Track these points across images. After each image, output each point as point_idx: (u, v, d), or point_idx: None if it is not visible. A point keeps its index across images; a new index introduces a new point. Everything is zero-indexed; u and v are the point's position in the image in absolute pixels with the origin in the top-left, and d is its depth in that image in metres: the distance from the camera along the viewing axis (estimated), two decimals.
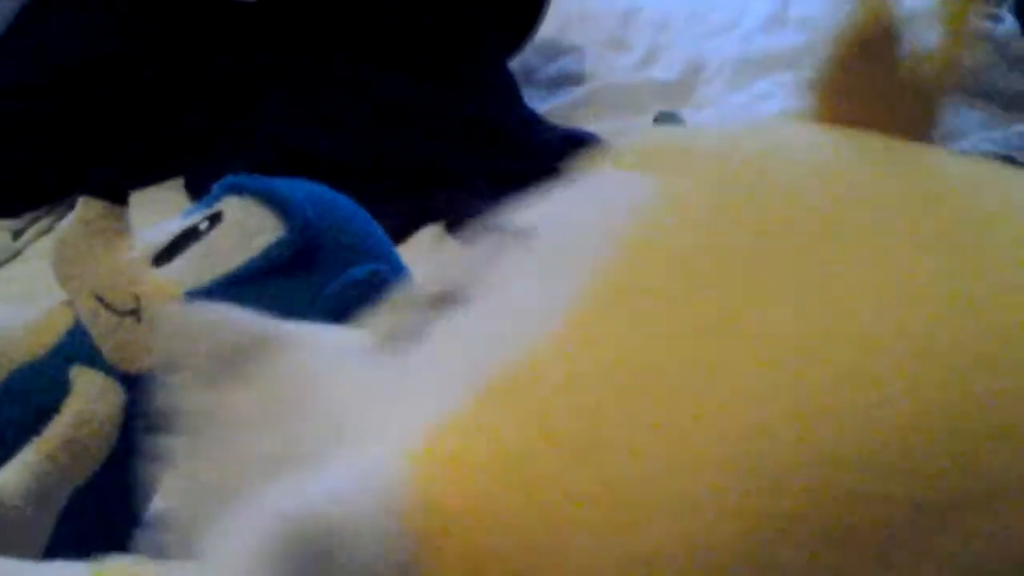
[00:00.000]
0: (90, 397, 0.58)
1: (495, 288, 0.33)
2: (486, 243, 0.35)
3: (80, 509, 0.57)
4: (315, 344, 0.36)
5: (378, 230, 0.65)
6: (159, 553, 0.37)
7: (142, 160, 1.13)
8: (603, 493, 0.26)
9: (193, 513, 0.34)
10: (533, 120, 1.22)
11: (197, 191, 1.07)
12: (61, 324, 0.61)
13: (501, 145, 1.13)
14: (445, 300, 0.34)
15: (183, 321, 0.36)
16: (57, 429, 0.57)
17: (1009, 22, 1.14)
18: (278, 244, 0.59)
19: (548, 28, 1.34)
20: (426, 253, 0.99)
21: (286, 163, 1.02)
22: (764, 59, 1.38)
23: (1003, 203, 0.32)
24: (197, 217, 0.62)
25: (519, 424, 0.28)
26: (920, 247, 0.29)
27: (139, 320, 0.58)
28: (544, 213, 0.35)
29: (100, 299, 0.59)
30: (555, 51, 1.42)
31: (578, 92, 1.33)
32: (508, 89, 1.25)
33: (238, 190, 0.62)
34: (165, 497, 0.35)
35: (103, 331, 0.59)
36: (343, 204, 0.64)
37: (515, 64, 1.30)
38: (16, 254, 1.07)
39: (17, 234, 1.10)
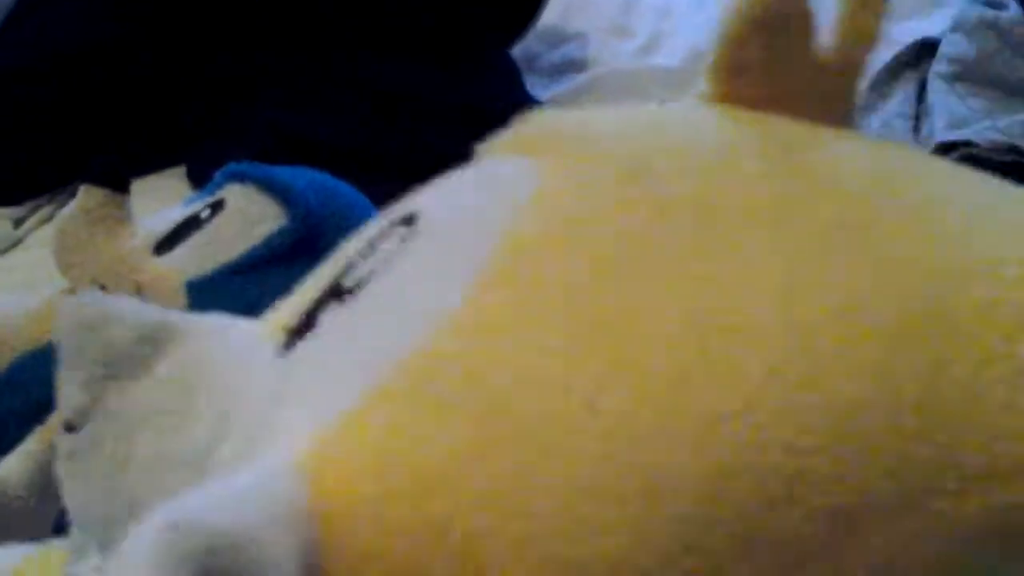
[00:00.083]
0: None
1: (385, 279, 0.31)
2: (376, 230, 0.34)
3: None
4: (214, 336, 0.35)
5: None
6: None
7: (143, 148, 1.13)
8: (498, 494, 0.25)
9: (90, 512, 0.34)
10: (535, 108, 1.21)
11: (199, 179, 1.07)
12: None
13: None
14: (336, 291, 0.33)
15: (78, 314, 0.34)
16: (60, 419, 0.57)
17: (1013, 9, 1.13)
18: (280, 232, 0.59)
19: (550, 14, 1.34)
20: None
21: (287, 150, 1.02)
22: None
23: (895, 197, 0.30)
24: (199, 205, 0.62)
25: (412, 423, 0.27)
26: (812, 241, 0.28)
27: None
28: (435, 200, 0.34)
29: (102, 288, 0.59)
30: (558, 38, 1.42)
31: (581, 79, 1.33)
32: (510, 76, 1.25)
33: (240, 178, 0.62)
34: (67, 497, 0.34)
35: None
36: (345, 192, 0.64)
37: (517, 51, 1.29)
38: (17, 242, 1.07)
39: (18, 222, 1.10)
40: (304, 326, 0.33)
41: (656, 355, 0.26)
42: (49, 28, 1.17)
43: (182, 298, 0.58)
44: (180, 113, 1.16)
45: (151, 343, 0.34)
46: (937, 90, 1.05)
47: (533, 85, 1.28)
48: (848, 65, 0.34)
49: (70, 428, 0.34)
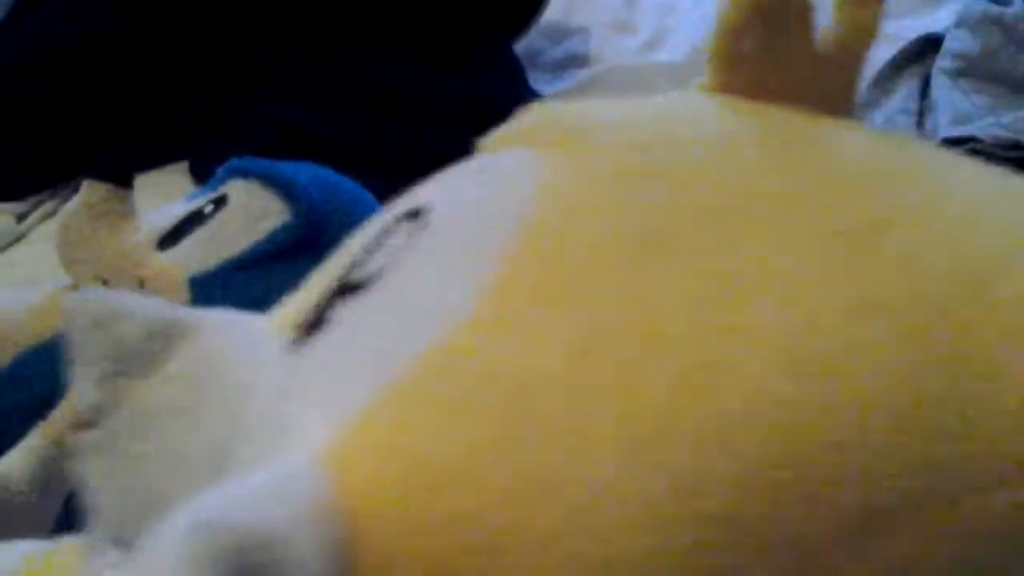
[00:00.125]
0: None
1: (395, 274, 0.31)
2: (384, 225, 0.34)
3: None
4: (224, 332, 0.35)
5: None
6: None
7: (146, 143, 1.13)
8: (523, 490, 0.25)
9: (110, 509, 0.34)
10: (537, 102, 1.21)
11: (201, 174, 1.07)
12: None
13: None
14: (345, 288, 0.32)
15: (89, 311, 0.34)
16: (62, 414, 0.57)
17: (1018, 4, 1.13)
18: (284, 228, 0.59)
19: (553, 10, 1.34)
20: None
21: (289, 145, 1.02)
22: None
23: (901, 187, 0.30)
24: (202, 200, 0.62)
25: (434, 420, 0.27)
26: (823, 238, 0.28)
27: None
28: (440, 194, 0.34)
29: (105, 283, 0.59)
30: (560, 33, 1.41)
31: (583, 75, 1.33)
32: (513, 72, 1.24)
33: (243, 173, 0.61)
34: (86, 494, 0.34)
35: None
36: (348, 188, 0.64)
37: (520, 46, 1.29)
38: (20, 237, 1.07)
39: (21, 217, 1.09)
40: (313, 322, 0.32)
41: (677, 352, 0.26)
42: (51, 24, 1.17)
43: (185, 294, 0.58)
44: (181, 109, 1.16)
45: (161, 339, 0.34)
46: (941, 86, 1.05)
47: (536, 81, 1.27)
48: (848, 59, 0.34)
49: (86, 425, 0.34)
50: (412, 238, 0.32)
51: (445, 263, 0.30)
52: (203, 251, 0.59)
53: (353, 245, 0.35)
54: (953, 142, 0.98)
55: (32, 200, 1.11)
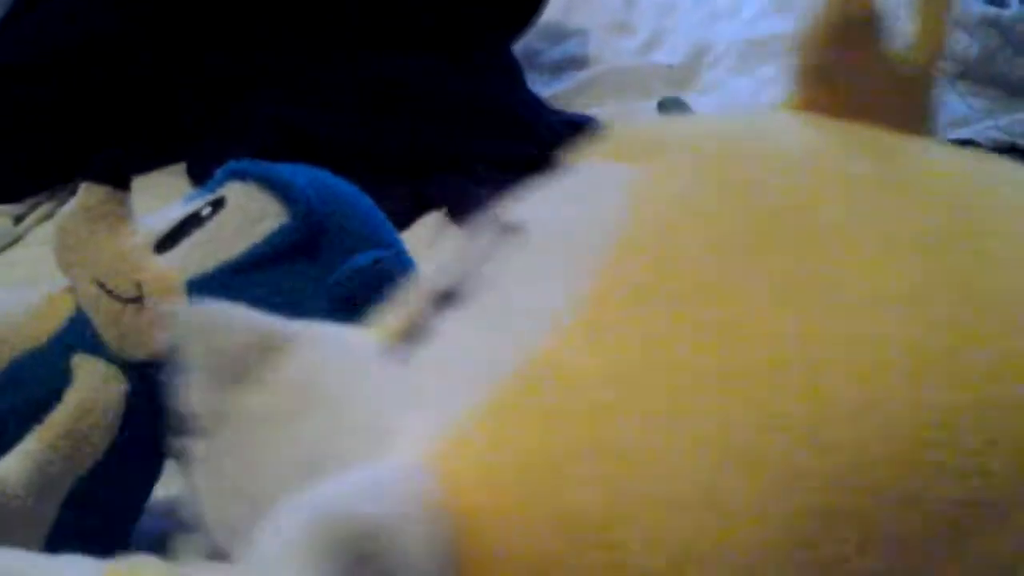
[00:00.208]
0: (92, 386, 0.57)
1: (496, 286, 0.33)
2: (482, 239, 0.35)
3: (82, 499, 0.57)
4: (326, 343, 0.36)
5: (381, 216, 0.64)
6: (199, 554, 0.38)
7: (144, 145, 1.13)
8: (631, 486, 0.26)
9: (218, 515, 0.35)
10: (536, 105, 1.21)
11: (199, 176, 1.06)
12: (63, 311, 0.60)
13: (504, 129, 1.12)
14: (447, 298, 0.34)
15: (194, 321, 0.35)
16: (59, 418, 0.56)
17: (1015, 6, 1.13)
18: (281, 231, 0.59)
19: (552, 11, 1.33)
20: (428, 240, 0.99)
21: (288, 147, 1.02)
22: (769, 43, 1.38)
23: (993, 198, 0.31)
24: (199, 203, 0.62)
25: (538, 423, 0.28)
26: (914, 247, 0.28)
27: (141, 307, 0.58)
28: (537, 207, 0.35)
29: (102, 286, 0.59)
30: (559, 34, 1.41)
31: (582, 76, 1.33)
32: (511, 73, 1.24)
33: (240, 175, 0.61)
34: (199, 500, 0.35)
35: (105, 318, 0.58)
36: (346, 190, 0.64)
37: (518, 48, 1.29)
38: (18, 239, 1.07)
39: (18, 219, 1.09)
40: (415, 332, 0.34)
41: (776, 355, 0.27)
42: (50, 25, 1.17)
43: (183, 297, 0.58)
44: (180, 110, 1.16)
45: (269, 349, 0.35)
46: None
47: (534, 82, 1.27)
48: (922, 79, 0.35)
49: (197, 433, 0.35)
50: (508, 251, 0.33)
51: (543, 275, 0.32)
52: (201, 254, 0.59)
53: (451, 258, 0.36)
54: None
55: (30, 202, 1.11)
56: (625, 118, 1.20)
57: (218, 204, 0.60)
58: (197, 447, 0.35)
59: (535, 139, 1.12)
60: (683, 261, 0.29)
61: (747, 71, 1.33)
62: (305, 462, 0.33)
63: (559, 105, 1.24)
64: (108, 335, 0.58)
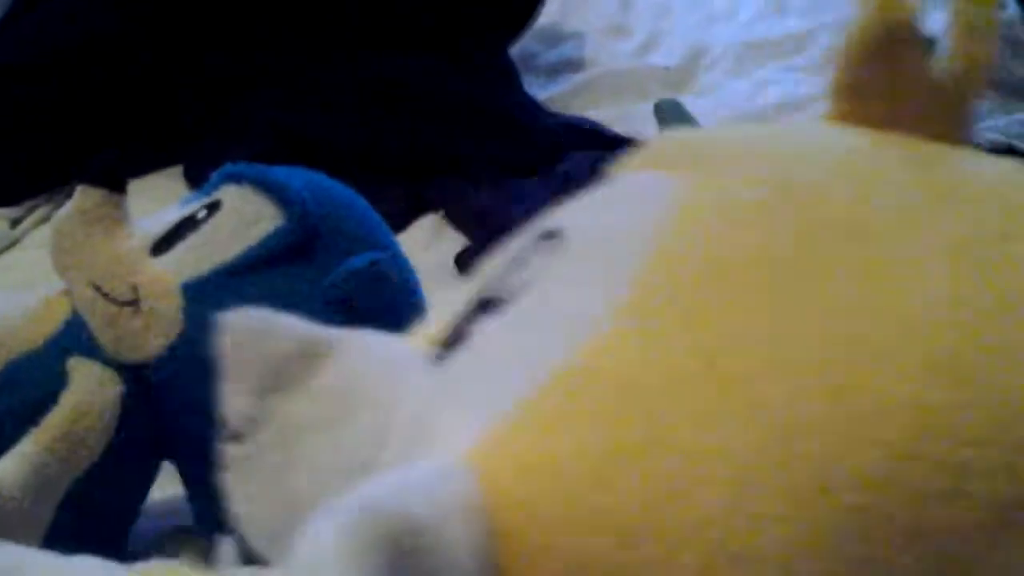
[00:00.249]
0: (88, 388, 0.57)
1: (534, 292, 0.33)
2: (520, 245, 0.36)
3: (79, 501, 0.57)
4: (368, 350, 0.37)
5: (377, 218, 0.64)
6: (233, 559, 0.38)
7: (141, 147, 1.13)
8: (664, 487, 0.26)
9: (257, 520, 0.35)
10: (533, 107, 1.21)
11: (195, 179, 1.07)
12: (59, 314, 0.60)
13: (501, 132, 1.13)
14: (487, 305, 0.34)
15: (243, 327, 0.36)
16: (55, 420, 0.56)
17: (1012, 8, 1.13)
18: (276, 233, 0.59)
19: (548, 13, 1.34)
20: (425, 242, 0.99)
21: (285, 150, 1.02)
22: (765, 46, 1.38)
23: None
24: (195, 206, 0.62)
25: (575, 425, 0.28)
26: (958, 253, 0.29)
27: (137, 310, 0.58)
28: (577, 215, 0.36)
29: (98, 289, 0.59)
30: (555, 37, 1.42)
31: (578, 78, 1.33)
32: (508, 76, 1.25)
33: (236, 178, 0.61)
34: (234, 505, 0.36)
35: (101, 321, 0.58)
36: (342, 192, 0.64)
37: (515, 50, 1.29)
38: (14, 242, 1.07)
39: (15, 222, 1.09)
40: (457, 337, 0.34)
41: (813, 354, 0.27)
42: (48, 26, 1.17)
43: (178, 300, 0.58)
44: (179, 112, 1.16)
45: (311, 356, 0.36)
46: None
47: (530, 85, 1.28)
48: (962, 91, 0.35)
49: (236, 438, 0.36)
50: (549, 258, 0.34)
51: (583, 280, 0.32)
52: (196, 257, 0.59)
53: (492, 265, 0.37)
54: None
55: (26, 205, 1.11)
56: (621, 121, 1.20)
57: (214, 207, 0.60)
58: (231, 452, 0.36)
59: (531, 142, 1.12)
60: (727, 267, 0.29)
61: (744, 73, 1.33)
62: (346, 468, 0.33)
63: (555, 107, 1.24)
64: (104, 338, 0.58)
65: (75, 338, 0.59)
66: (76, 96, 1.14)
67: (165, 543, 0.64)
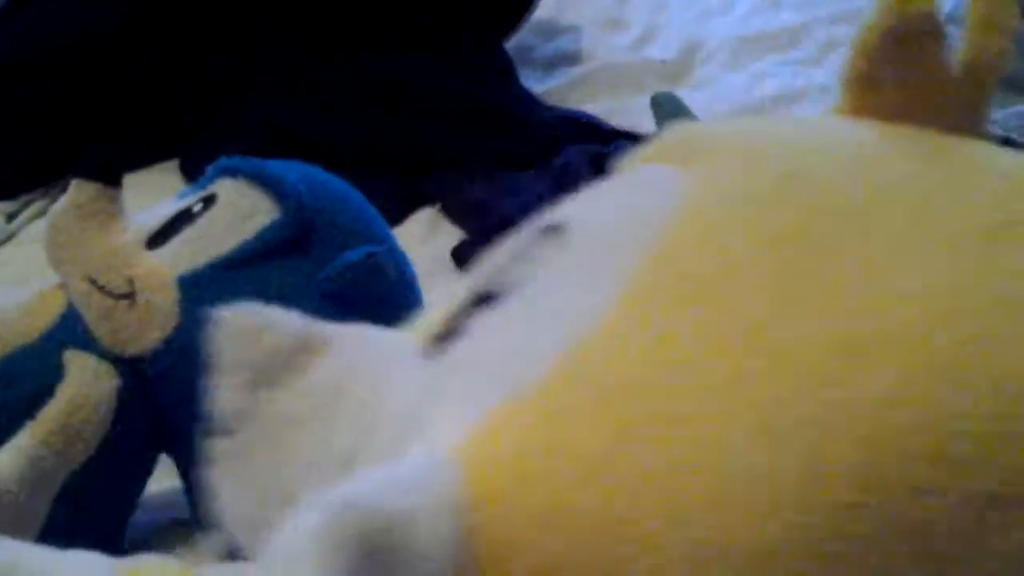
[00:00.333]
0: (84, 381, 0.57)
1: (534, 285, 0.33)
2: (521, 239, 0.36)
3: (75, 494, 0.57)
4: (361, 345, 0.37)
5: (373, 212, 0.64)
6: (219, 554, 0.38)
7: (138, 142, 1.13)
8: (651, 482, 0.26)
9: (242, 515, 0.35)
10: (529, 101, 1.21)
11: (191, 173, 1.06)
12: (55, 307, 0.60)
13: (498, 126, 1.13)
14: (485, 299, 0.34)
15: (236, 323, 0.36)
16: (51, 413, 0.56)
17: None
18: (272, 226, 0.59)
19: (544, 7, 1.34)
20: (421, 236, 0.99)
21: (281, 144, 1.02)
22: (761, 39, 1.38)
23: None
24: (191, 199, 0.62)
25: (563, 419, 0.28)
26: (966, 244, 0.29)
27: (133, 303, 0.58)
28: (581, 208, 0.35)
29: (94, 282, 0.59)
30: (551, 31, 1.41)
31: (575, 72, 1.33)
32: (504, 70, 1.24)
33: (232, 172, 0.61)
34: (219, 499, 0.36)
35: (97, 315, 0.58)
36: (338, 185, 0.64)
37: (511, 44, 1.29)
38: (10, 237, 1.07)
39: (11, 216, 1.09)
40: (452, 331, 0.34)
41: (809, 348, 0.27)
42: (45, 22, 1.17)
43: (174, 293, 0.58)
44: (176, 108, 1.16)
45: (303, 351, 0.36)
46: None
47: (527, 78, 1.27)
48: (977, 84, 0.35)
49: (221, 433, 0.36)
50: (549, 251, 0.33)
51: (584, 275, 0.32)
52: (192, 250, 0.59)
53: (492, 258, 0.36)
54: None
55: (22, 199, 1.11)
56: (618, 114, 1.20)
57: (209, 200, 0.60)
58: (219, 446, 0.35)
59: (528, 136, 1.12)
60: (731, 258, 0.29)
61: (740, 67, 1.33)
62: (335, 463, 0.33)
63: (552, 101, 1.24)
64: (100, 331, 0.58)
65: (71, 331, 0.59)
66: (72, 93, 1.14)
67: (162, 536, 0.64)
